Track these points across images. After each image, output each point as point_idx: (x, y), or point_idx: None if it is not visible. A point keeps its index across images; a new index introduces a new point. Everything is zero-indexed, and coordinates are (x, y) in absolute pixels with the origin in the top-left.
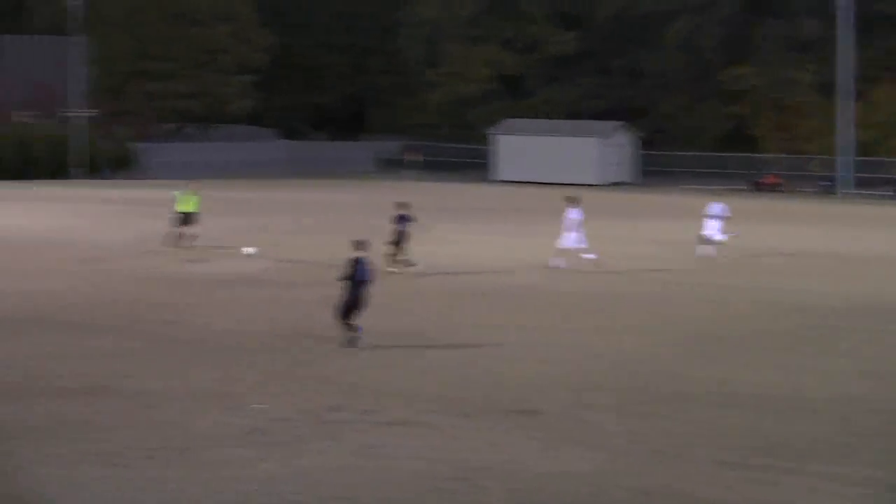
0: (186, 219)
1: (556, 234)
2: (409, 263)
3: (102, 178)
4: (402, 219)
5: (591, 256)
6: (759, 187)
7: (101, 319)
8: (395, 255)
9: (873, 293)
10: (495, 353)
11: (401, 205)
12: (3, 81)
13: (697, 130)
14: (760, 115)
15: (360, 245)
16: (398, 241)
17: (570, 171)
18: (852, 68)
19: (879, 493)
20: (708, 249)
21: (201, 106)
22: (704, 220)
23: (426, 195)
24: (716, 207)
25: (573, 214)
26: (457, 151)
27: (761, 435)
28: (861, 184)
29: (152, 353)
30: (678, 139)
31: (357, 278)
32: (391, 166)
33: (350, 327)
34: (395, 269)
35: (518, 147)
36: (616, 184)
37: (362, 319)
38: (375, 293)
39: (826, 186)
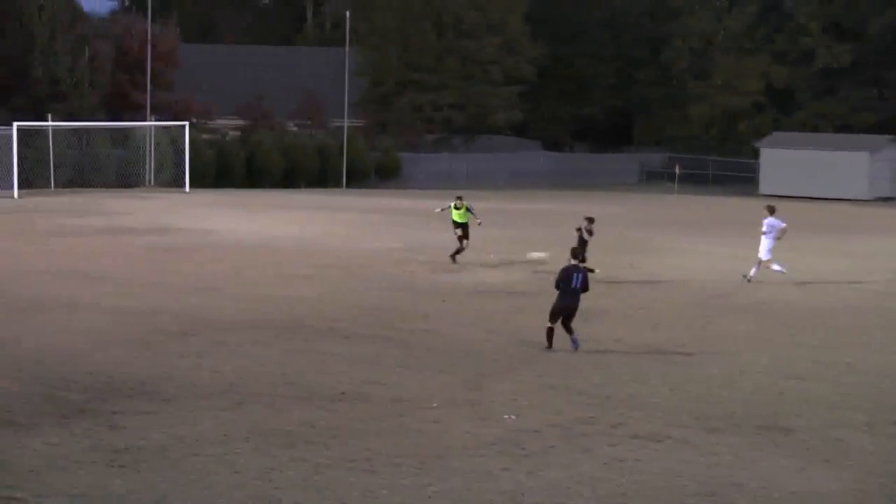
0: (462, 229)
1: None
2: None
3: (367, 187)
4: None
5: (779, 268)
6: None
7: (355, 327)
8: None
9: None
10: (746, 367)
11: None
12: (275, 92)
13: None
14: None
15: (575, 254)
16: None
17: (838, 185)
18: None
19: None
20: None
21: (466, 117)
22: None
23: (682, 208)
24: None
25: (772, 223)
26: (722, 164)
27: None
28: None
29: (406, 360)
30: None
31: (569, 286)
32: (654, 179)
33: (553, 332)
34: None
35: (785, 160)
36: (885, 199)
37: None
38: (619, 304)
39: None
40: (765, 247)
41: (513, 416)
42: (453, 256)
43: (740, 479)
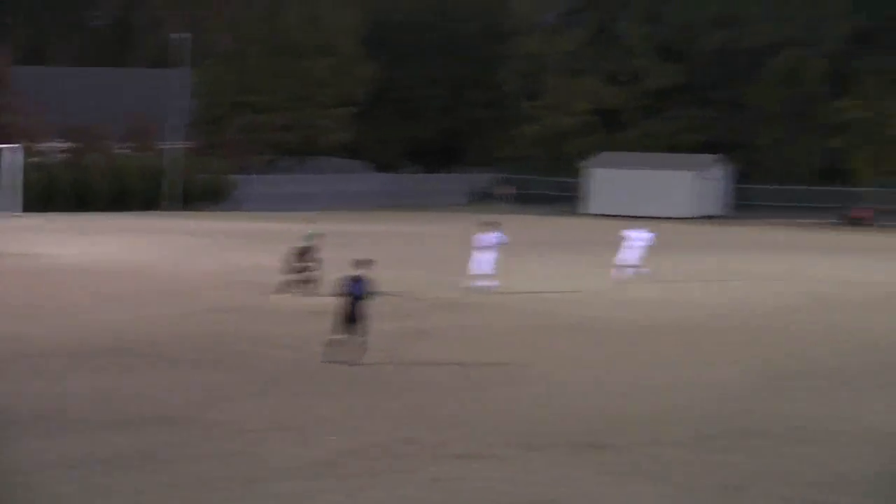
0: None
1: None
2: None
3: (198, 209)
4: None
5: (493, 284)
6: (850, 221)
7: (179, 350)
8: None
9: None
10: (568, 385)
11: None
12: (106, 114)
13: (794, 164)
14: (859, 148)
15: (360, 264)
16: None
17: (665, 204)
18: None
19: None
20: (624, 273)
21: (298, 138)
22: (626, 246)
23: (511, 228)
24: (639, 234)
25: (488, 239)
26: (551, 185)
27: (829, 470)
28: None
29: (229, 383)
30: (774, 172)
31: (352, 295)
32: (484, 199)
33: (336, 342)
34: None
35: (612, 180)
36: (708, 217)
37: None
38: (444, 324)
39: None
40: (485, 261)
41: (334, 437)
42: (291, 285)
43: (561, 496)
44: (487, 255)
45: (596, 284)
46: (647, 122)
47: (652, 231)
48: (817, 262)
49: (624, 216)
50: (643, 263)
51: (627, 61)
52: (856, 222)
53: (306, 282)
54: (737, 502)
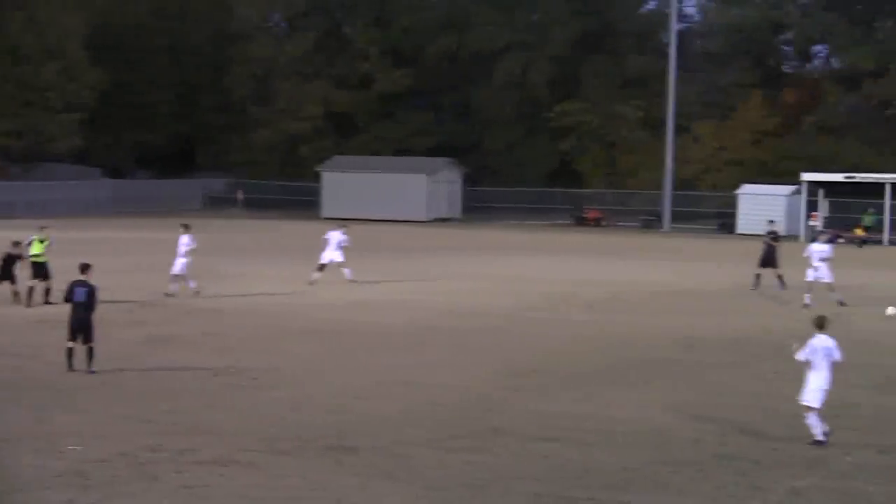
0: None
1: (376, 272)
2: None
3: None
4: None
5: (192, 284)
6: (580, 222)
7: None
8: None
9: (691, 326)
10: (312, 389)
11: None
12: None
13: (525, 166)
14: (587, 150)
15: (83, 269)
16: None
17: (398, 207)
18: (677, 104)
19: None
20: (345, 273)
21: (24, 144)
22: (328, 247)
23: (246, 233)
24: (335, 235)
25: (185, 241)
26: (285, 189)
27: (575, 466)
28: (683, 217)
29: None
30: (506, 175)
31: (73, 301)
32: (218, 204)
33: (72, 352)
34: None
35: (346, 183)
36: (442, 220)
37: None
38: (186, 330)
39: (649, 220)
40: (181, 264)
41: (77, 447)
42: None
43: (307, 499)
44: (184, 258)
45: (328, 288)
46: (379, 126)
47: (346, 233)
48: (552, 262)
49: (359, 219)
50: (344, 262)
51: (356, 65)
52: (587, 223)
53: (16, 292)
54: (485, 500)
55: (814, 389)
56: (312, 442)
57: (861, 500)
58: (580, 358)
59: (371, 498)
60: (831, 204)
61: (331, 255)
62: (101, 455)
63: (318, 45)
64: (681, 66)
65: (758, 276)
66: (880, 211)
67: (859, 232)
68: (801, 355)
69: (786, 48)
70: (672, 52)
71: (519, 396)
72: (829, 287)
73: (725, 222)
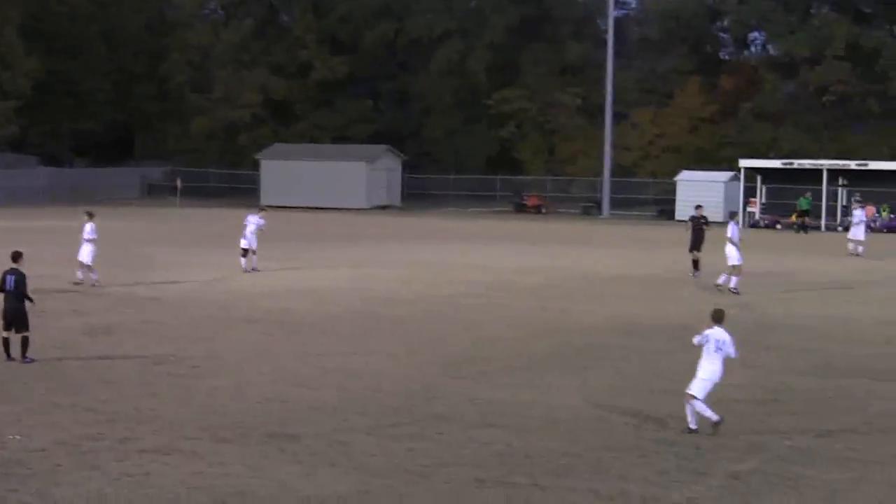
0: None
1: (316, 260)
2: None
3: None
4: None
5: (94, 276)
6: (520, 209)
7: None
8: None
9: (630, 313)
10: (253, 377)
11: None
12: None
13: (464, 153)
14: (526, 138)
15: (14, 257)
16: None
17: (337, 194)
18: (615, 91)
19: None
20: (253, 260)
21: None
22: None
23: (184, 222)
24: (253, 219)
25: (88, 229)
26: (224, 177)
27: (514, 452)
28: (622, 204)
29: None
30: (446, 162)
31: (5, 290)
32: (157, 192)
33: (7, 342)
34: None
35: (285, 172)
36: (380, 207)
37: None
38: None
39: (588, 207)
40: (87, 252)
41: (17, 437)
42: None
43: (250, 487)
44: (89, 245)
45: (269, 276)
46: (317, 114)
47: (263, 217)
48: (492, 250)
49: (299, 207)
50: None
51: (294, 53)
52: (527, 210)
53: None
54: (427, 486)
55: (701, 379)
56: (254, 430)
57: (800, 484)
58: (521, 345)
59: (314, 485)
60: (770, 190)
61: (248, 239)
62: (41, 444)
63: (255, 33)
64: (619, 53)
65: (695, 261)
66: (818, 197)
67: (794, 217)
68: (695, 339)
69: (723, 35)
70: (610, 39)
71: (460, 383)
72: (734, 269)
73: (664, 209)
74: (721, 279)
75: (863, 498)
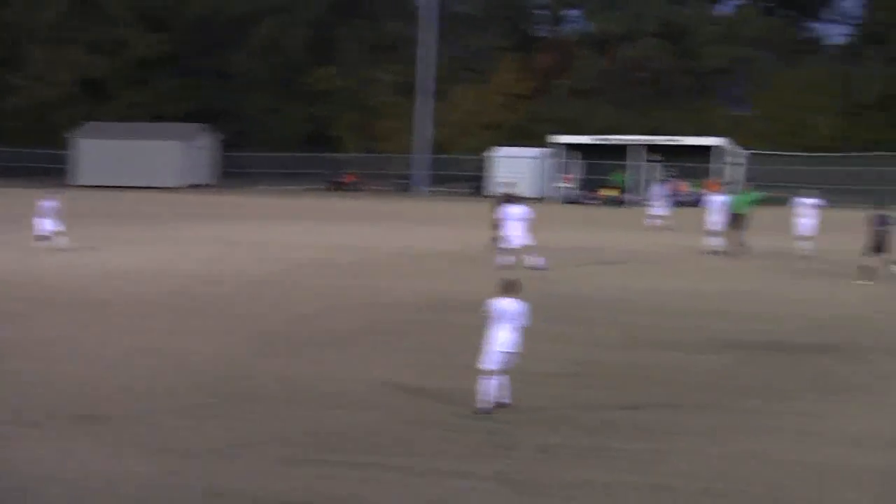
0: None
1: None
2: None
3: None
4: None
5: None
6: (337, 187)
7: None
8: None
9: (441, 290)
10: (60, 358)
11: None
12: None
13: (282, 131)
14: (342, 115)
15: None
16: None
17: (153, 174)
18: (432, 68)
19: (441, 482)
20: (60, 242)
21: None
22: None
23: None
24: (49, 203)
25: (49, 204)
26: (36, 156)
27: (324, 430)
28: (437, 181)
29: None
30: (263, 140)
31: None
32: None
33: None
34: None
35: (100, 150)
36: (196, 186)
37: None
38: None
39: (402, 184)
40: (45, 224)
41: None
42: None
43: (57, 471)
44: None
45: (76, 256)
46: (132, 92)
47: (56, 199)
48: (306, 228)
49: (114, 186)
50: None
51: (111, 30)
52: (343, 187)
53: None
54: (239, 465)
55: (490, 351)
56: (61, 412)
57: (606, 456)
58: (332, 322)
59: (123, 467)
60: (587, 165)
61: (46, 223)
62: None
63: (71, 10)
64: (437, 31)
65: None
66: (634, 173)
67: (606, 192)
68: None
69: (541, 12)
70: (425, 15)
71: (270, 361)
72: (525, 249)
73: (478, 185)
74: (528, 261)
75: (668, 468)
